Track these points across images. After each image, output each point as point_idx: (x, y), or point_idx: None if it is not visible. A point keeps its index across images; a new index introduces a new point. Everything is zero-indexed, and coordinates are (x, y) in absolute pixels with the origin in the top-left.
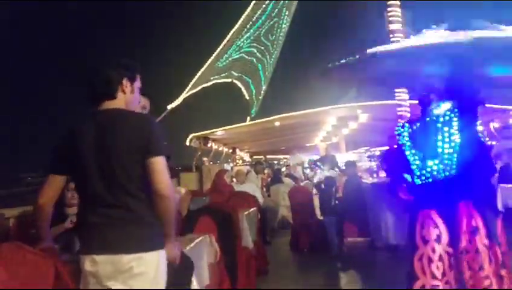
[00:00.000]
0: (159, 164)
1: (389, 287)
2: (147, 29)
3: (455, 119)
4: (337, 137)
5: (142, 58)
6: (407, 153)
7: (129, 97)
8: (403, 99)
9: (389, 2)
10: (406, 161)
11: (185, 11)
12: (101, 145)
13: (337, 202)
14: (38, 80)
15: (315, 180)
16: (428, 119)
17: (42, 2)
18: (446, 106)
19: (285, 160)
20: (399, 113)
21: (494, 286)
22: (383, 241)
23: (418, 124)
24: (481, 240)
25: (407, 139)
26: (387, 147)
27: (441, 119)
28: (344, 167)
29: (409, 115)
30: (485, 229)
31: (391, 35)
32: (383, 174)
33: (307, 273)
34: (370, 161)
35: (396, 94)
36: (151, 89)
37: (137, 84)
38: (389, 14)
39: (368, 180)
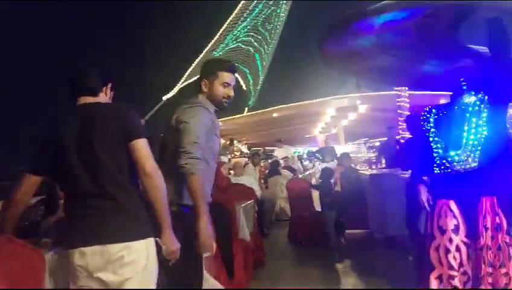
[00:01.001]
0: (141, 146)
1: (387, 278)
2: (144, 19)
3: (485, 110)
4: (336, 128)
5: (138, 50)
6: (430, 140)
7: (107, 101)
8: (402, 90)
9: None
10: (428, 149)
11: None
12: (83, 137)
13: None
14: (38, 80)
15: (313, 171)
16: (456, 107)
17: (42, 2)
18: (477, 96)
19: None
20: (398, 104)
21: None
22: (382, 233)
23: (445, 112)
24: (503, 237)
25: (431, 125)
26: (385, 138)
27: (470, 109)
28: (340, 159)
29: (408, 105)
30: (508, 226)
31: None
32: (381, 165)
33: (305, 265)
34: (369, 151)
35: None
36: (146, 79)
37: (112, 93)
38: None
39: (367, 171)
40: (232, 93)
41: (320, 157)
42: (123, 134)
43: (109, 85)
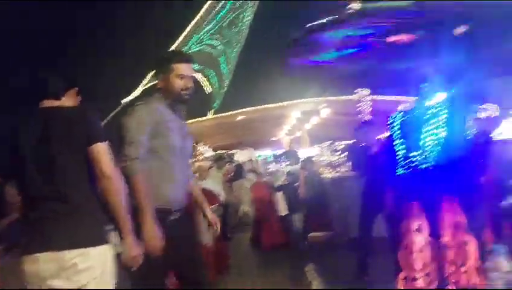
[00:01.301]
0: (100, 149)
1: (350, 279)
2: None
3: (444, 112)
4: (300, 131)
5: (96, 50)
6: (395, 142)
7: (61, 103)
8: (363, 95)
9: None
10: (394, 151)
11: (145, 3)
12: (42, 139)
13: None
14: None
15: (278, 175)
16: (418, 110)
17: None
18: (438, 98)
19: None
20: (359, 108)
21: (474, 281)
22: (345, 235)
23: (408, 115)
24: (463, 237)
25: (397, 128)
26: (351, 141)
27: (430, 111)
28: (303, 163)
29: (369, 110)
30: (468, 225)
31: None
32: (344, 168)
33: (268, 268)
34: (332, 155)
35: (355, 90)
36: (107, 81)
37: (78, 98)
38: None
39: (330, 174)
40: (190, 84)
41: (285, 161)
42: (83, 137)
43: (74, 89)
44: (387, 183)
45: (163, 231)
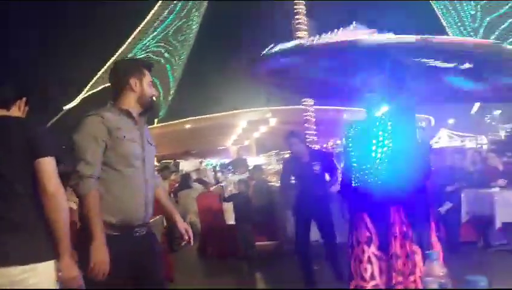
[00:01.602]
0: (45, 165)
1: (296, 287)
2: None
3: (389, 123)
4: (248, 140)
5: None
6: (348, 155)
7: (19, 115)
8: (309, 105)
9: (296, 10)
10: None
11: (87, 7)
12: None
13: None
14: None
15: (225, 184)
16: (368, 121)
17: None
18: (385, 108)
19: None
20: (305, 117)
21: None
22: (291, 244)
23: (360, 126)
24: (410, 246)
25: (350, 140)
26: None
27: (378, 123)
28: (251, 172)
29: (314, 119)
30: (415, 235)
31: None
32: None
33: (215, 279)
34: (279, 163)
35: (302, 100)
36: (48, 88)
37: (26, 109)
38: (296, 22)
39: (278, 183)
40: (155, 92)
41: (233, 170)
42: (28, 151)
43: (23, 99)
44: (319, 193)
45: (125, 248)
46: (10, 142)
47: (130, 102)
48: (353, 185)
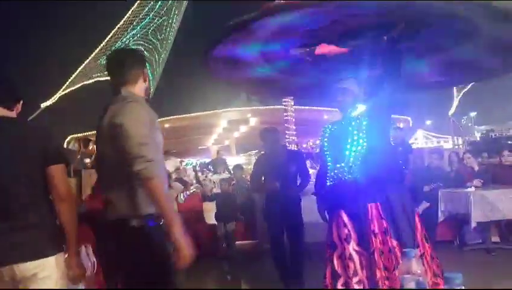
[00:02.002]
0: (57, 172)
1: (275, 286)
2: (24, 22)
3: (364, 122)
4: (228, 140)
5: (15, 51)
6: (324, 155)
7: (12, 114)
8: (289, 105)
9: None
10: (324, 163)
11: (67, 4)
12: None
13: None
14: None
15: (205, 183)
16: (343, 122)
17: None
18: (360, 108)
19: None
20: (285, 118)
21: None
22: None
23: (336, 126)
24: (391, 242)
25: (325, 140)
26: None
27: (353, 122)
28: (232, 171)
29: (293, 119)
30: (393, 231)
31: None
32: None
33: (195, 278)
34: None
35: (283, 100)
36: (24, 83)
37: (19, 107)
38: None
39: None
40: None
41: (213, 169)
42: (41, 157)
43: (21, 102)
44: (289, 193)
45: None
46: (28, 147)
47: (141, 92)
48: (328, 184)
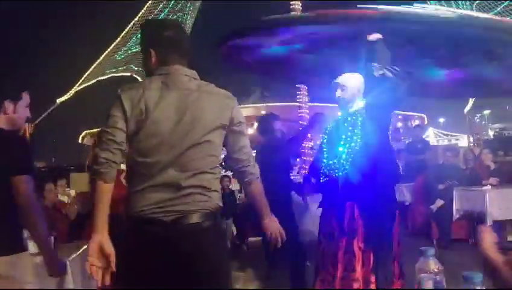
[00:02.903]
0: (20, 182)
1: (286, 283)
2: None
3: (360, 119)
4: None
5: (32, 47)
6: (321, 151)
7: (11, 117)
8: (304, 102)
9: (292, 7)
10: (317, 159)
11: (83, 1)
12: None
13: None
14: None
15: None
16: (340, 118)
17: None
18: (358, 104)
19: None
20: (300, 114)
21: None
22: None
23: (335, 123)
24: (357, 243)
25: (325, 137)
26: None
27: (349, 118)
28: None
29: (308, 116)
30: (365, 232)
31: None
32: None
33: None
34: None
35: (297, 96)
36: (40, 80)
37: (24, 102)
38: (291, 7)
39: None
40: None
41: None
42: (7, 166)
43: (6, 103)
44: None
45: None
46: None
47: None
48: (321, 180)
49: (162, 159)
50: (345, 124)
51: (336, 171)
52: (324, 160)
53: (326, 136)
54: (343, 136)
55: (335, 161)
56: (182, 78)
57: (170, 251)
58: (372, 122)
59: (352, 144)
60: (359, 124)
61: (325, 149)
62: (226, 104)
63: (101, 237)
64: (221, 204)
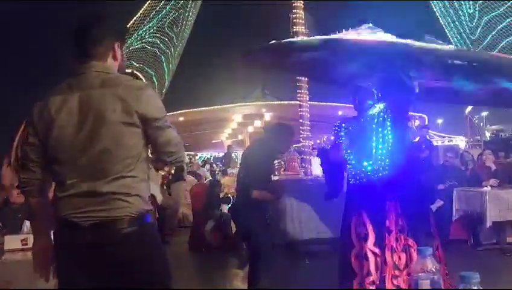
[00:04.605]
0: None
1: (288, 282)
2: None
3: (388, 120)
4: (242, 135)
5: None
6: (343, 152)
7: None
8: (304, 100)
9: (294, 5)
10: (342, 160)
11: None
12: None
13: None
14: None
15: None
16: (363, 120)
17: None
18: (380, 106)
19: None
20: (300, 113)
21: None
22: (281, 239)
23: (354, 125)
24: (406, 240)
25: (344, 138)
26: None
27: (375, 120)
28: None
29: (308, 115)
30: (410, 229)
31: (295, 37)
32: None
33: (207, 273)
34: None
35: (297, 95)
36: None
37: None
38: (293, 16)
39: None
40: None
41: (222, 165)
42: None
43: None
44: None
45: None
46: None
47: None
48: (351, 183)
49: (74, 168)
50: (373, 126)
51: (374, 173)
52: (353, 162)
53: (347, 138)
54: (375, 138)
55: (370, 162)
56: (90, 75)
57: (91, 257)
58: (398, 124)
59: (386, 144)
60: (388, 125)
61: (350, 151)
62: (133, 97)
63: (44, 242)
64: (147, 208)
